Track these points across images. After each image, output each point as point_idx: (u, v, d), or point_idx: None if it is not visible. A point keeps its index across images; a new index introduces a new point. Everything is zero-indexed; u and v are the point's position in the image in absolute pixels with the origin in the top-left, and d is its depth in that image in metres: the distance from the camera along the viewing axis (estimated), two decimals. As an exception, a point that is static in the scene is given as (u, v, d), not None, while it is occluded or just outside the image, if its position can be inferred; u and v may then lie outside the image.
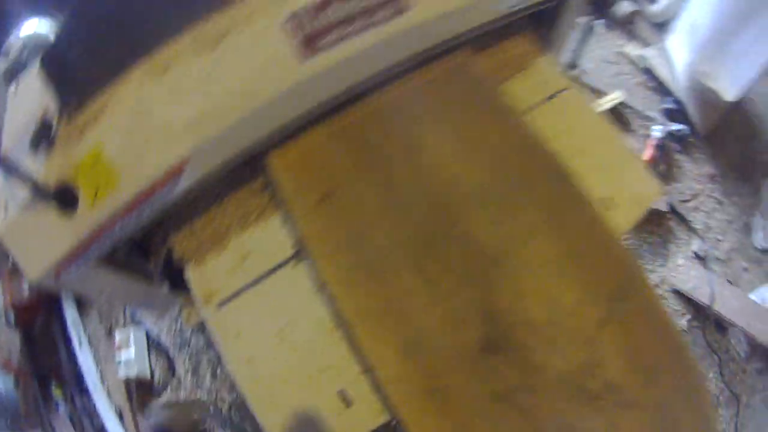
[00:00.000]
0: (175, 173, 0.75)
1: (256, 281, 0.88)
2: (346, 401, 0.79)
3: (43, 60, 0.83)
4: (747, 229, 3.10)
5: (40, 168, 0.75)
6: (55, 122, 0.78)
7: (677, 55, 3.04)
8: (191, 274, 0.89)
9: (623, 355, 0.81)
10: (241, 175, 0.91)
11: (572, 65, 2.84)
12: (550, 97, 1.08)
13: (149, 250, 1.00)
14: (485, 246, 0.82)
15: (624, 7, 3.38)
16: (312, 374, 0.83)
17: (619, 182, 1.07)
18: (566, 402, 0.75)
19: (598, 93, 3.11)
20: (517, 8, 0.99)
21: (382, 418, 0.79)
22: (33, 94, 0.87)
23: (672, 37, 3.11)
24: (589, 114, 1.14)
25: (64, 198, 0.73)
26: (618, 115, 3.07)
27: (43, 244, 0.79)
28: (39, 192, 0.71)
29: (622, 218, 1.03)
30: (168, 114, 0.72)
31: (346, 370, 0.82)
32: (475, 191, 0.86)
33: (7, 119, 0.95)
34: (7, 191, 0.81)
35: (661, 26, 3.39)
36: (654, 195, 1.13)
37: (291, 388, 0.83)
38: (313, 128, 0.89)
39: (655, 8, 3.34)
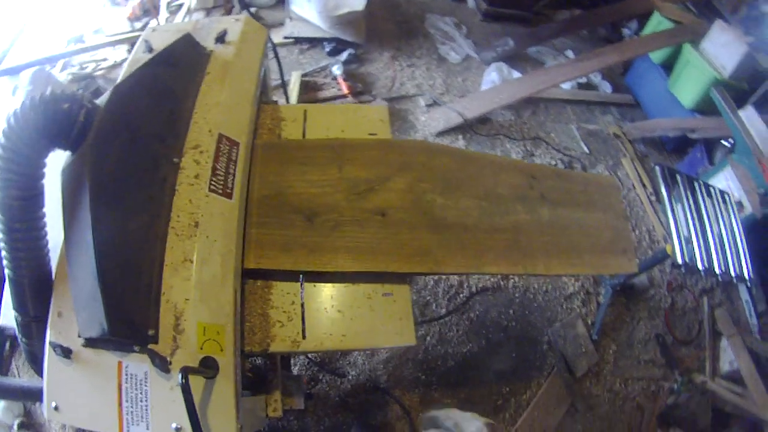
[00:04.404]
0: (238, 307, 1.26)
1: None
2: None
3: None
4: (442, 60, 4.27)
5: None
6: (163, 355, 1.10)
7: (307, 13, 3.84)
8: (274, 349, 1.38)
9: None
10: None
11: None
12: (304, 120, 1.85)
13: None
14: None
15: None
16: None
17: (371, 123, 1.88)
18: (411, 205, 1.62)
19: (286, 84, 3.71)
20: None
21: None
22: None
23: (293, 6, 3.92)
24: (331, 108, 1.96)
25: (208, 366, 1.11)
26: (308, 85, 3.74)
27: (220, 402, 1.13)
28: (197, 373, 1.09)
29: (384, 134, 1.86)
30: (206, 274, 1.20)
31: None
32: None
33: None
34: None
35: (281, 4, 4.17)
36: (383, 112, 1.95)
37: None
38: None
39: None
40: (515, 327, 2.98)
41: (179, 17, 3.47)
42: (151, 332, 1.12)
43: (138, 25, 3.49)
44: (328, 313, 1.46)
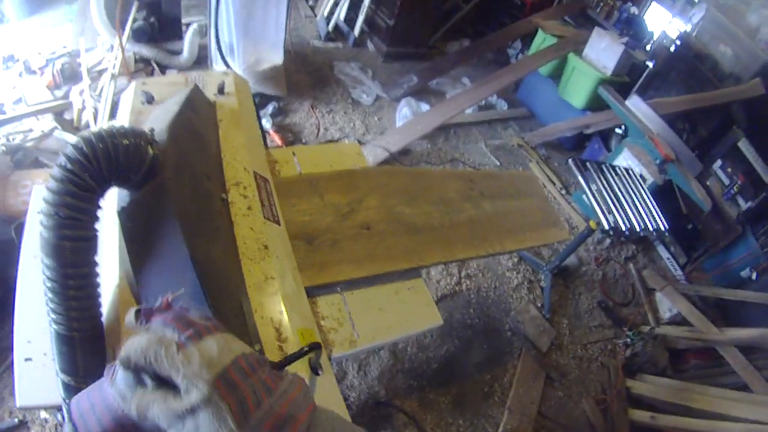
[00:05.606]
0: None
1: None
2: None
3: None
4: (357, 103, 4.60)
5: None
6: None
7: (236, 69, 3.95)
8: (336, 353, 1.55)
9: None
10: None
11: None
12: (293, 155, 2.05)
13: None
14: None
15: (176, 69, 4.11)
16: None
17: (351, 157, 2.16)
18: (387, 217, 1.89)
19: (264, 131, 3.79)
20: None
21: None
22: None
23: (216, 66, 4.00)
24: (314, 148, 2.23)
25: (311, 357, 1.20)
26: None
27: (330, 394, 1.26)
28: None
29: (363, 164, 2.14)
30: (287, 287, 1.36)
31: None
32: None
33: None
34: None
35: (199, 64, 4.26)
36: (356, 147, 2.28)
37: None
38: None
39: (182, 59, 4.14)
40: (479, 323, 3.30)
41: (103, 82, 3.46)
42: (257, 347, 1.18)
43: (59, 93, 3.40)
44: (371, 312, 1.66)
